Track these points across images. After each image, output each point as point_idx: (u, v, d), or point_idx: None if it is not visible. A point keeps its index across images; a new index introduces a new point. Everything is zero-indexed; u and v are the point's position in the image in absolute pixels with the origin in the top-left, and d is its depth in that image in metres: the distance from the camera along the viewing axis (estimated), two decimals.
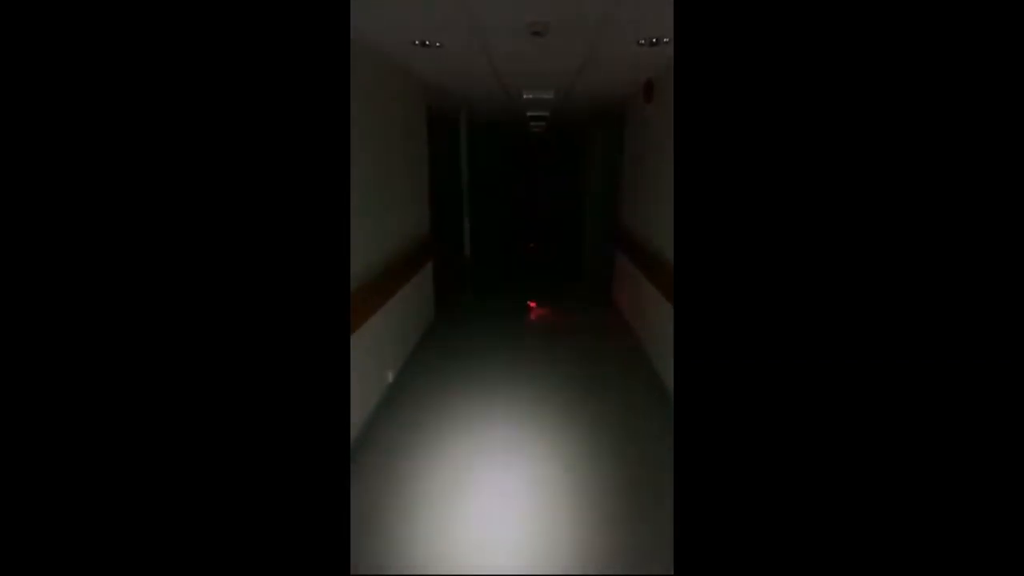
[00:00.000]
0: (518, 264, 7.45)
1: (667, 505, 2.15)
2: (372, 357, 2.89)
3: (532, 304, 5.28)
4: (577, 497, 2.21)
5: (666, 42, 2.52)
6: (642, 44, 2.57)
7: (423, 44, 2.60)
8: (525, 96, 4.51)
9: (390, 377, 3.26)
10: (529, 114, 6.06)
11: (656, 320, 3.52)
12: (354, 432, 2.61)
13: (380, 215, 2.99)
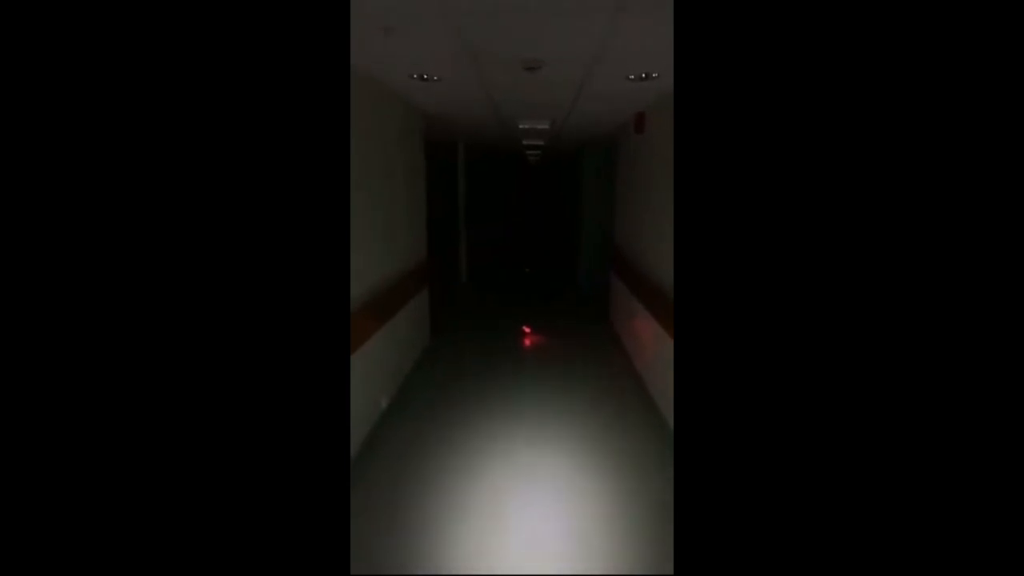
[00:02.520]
0: (515, 286, 7.48)
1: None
2: (365, 383, 2.89)
3: (527, 329, 5.29)
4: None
5: (655, 77, 2.62)
6: (632, 79, 2.66)
7: (421, 78, 2.69)
8: (521, 126, 4.63)
9: (384, 403, 3.25)
10: (525, 143, 6.19)
11: (645, 336, 3.54)
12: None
13: (376, 242, 3.03)
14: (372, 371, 2.99)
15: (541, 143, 6.25)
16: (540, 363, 4.28)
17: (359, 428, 2.80)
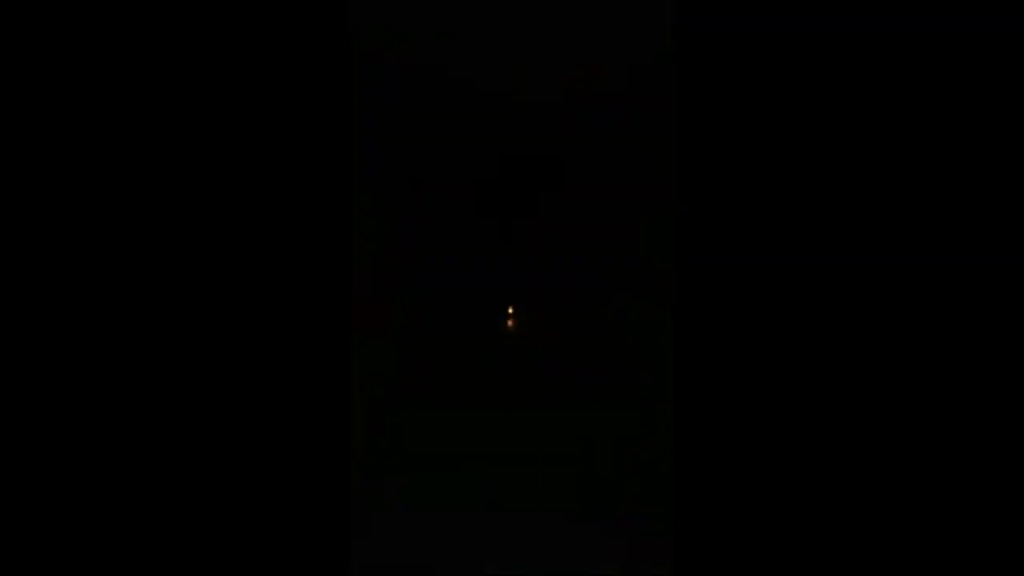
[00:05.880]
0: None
1: None
2: None
3: (510, 310, 5.23)
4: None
5: (660, 54, 2.54)
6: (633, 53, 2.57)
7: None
8: (517, 107, 4.41)
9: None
10: (523, 130, 5.89)
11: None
12: None
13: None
14: None
15: (538, 130, 5.94)
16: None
17: None
